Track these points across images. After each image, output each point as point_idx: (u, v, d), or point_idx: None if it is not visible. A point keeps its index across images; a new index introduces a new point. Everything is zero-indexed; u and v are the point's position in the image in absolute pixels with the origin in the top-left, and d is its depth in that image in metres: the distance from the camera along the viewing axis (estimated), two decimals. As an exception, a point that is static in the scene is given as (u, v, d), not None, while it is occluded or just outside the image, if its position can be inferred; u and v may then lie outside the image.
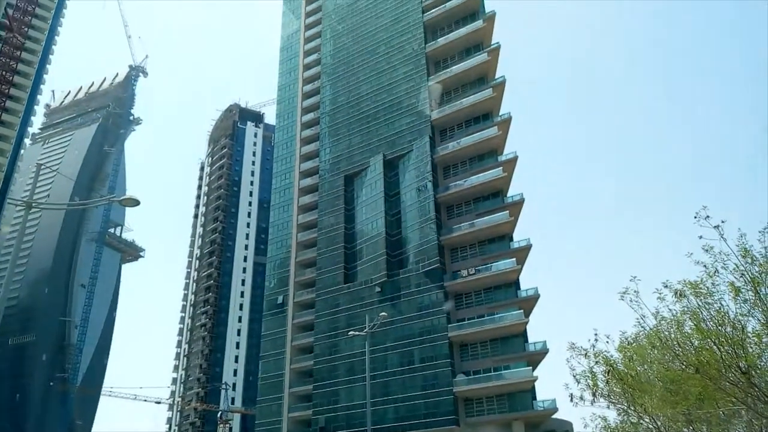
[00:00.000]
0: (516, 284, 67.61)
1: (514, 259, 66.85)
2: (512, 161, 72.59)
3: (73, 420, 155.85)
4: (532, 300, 66.21)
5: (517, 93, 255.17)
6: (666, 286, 19.30)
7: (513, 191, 72.64)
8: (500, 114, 76.11)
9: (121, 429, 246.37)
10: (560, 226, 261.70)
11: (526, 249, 68.37)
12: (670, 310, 19.88)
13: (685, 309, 19.27)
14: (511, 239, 70.06)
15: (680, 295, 18.99)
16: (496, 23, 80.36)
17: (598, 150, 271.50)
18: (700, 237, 17.79)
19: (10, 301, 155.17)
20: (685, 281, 18.92)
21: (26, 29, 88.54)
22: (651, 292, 19.74)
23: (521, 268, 67.75)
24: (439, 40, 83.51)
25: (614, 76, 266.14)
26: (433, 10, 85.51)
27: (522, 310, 64.23)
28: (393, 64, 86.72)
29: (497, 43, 78.95)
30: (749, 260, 17.56)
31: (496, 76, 78.10)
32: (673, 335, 20.41)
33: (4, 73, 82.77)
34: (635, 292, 20.23)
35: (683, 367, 20.08)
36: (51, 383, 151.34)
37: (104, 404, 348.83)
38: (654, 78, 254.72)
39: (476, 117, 77.27)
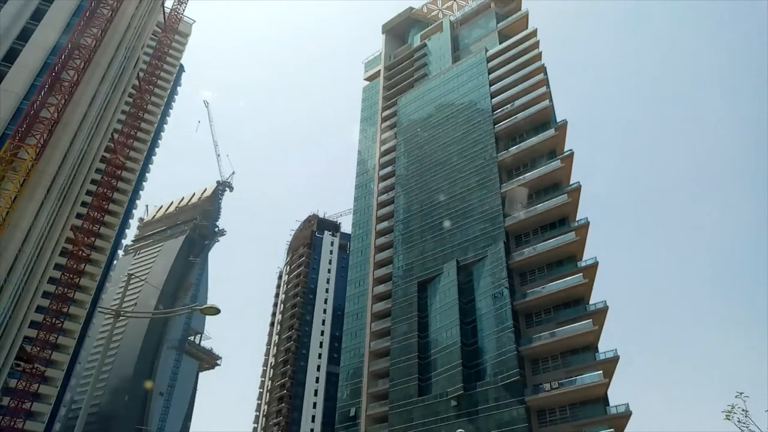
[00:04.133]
0: (604, 399, 62.68)
1: (600, 371, 62.52)
2: (593, 267, 70.08)
3: None
4: (623, 418, 60.86)
5: (595, 198, 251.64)
6: (781, 404, 17.19)
7: (595, 298, 69.60)
8: (577, 219, 74.76)
9: None
10: (648, 333, 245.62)
11: (613, 361, 63.91)
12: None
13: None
14: (596, 350, 65.98)
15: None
16: (568, 131, 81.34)
17: (682, 249, 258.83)
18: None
19: (91, 409, 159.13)
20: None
21: (128, 151, 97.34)
22: (764, 410, 17.60)
23: (609, 382, 63.03)
24: (511, 149, 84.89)
25: (695, 182, 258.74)
26: (504, 122, 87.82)
27: (612, 429, 59.04)
28: (465, 173, 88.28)
29: (570, 150, 79.32)
30: None
31: (571, 182, 77.66)
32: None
33: (105, 191, 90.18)
34: (744, 411, 18.08)
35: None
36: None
37: None
38: (744, 177, 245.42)
39: (552, 222, 76.22)
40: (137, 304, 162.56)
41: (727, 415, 18.39)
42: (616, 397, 69.68)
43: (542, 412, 65.03)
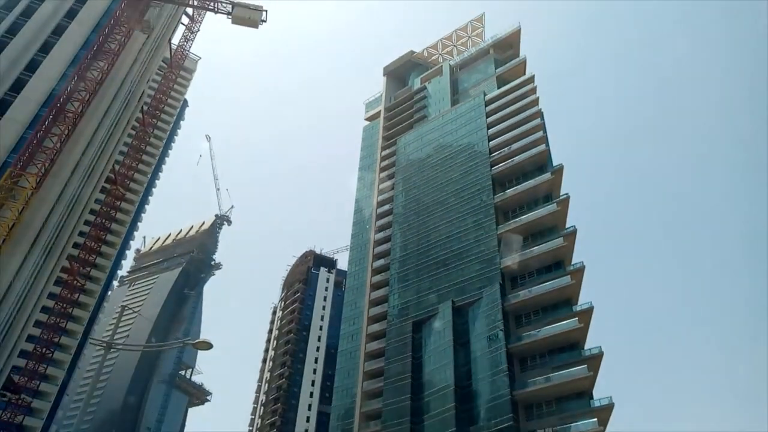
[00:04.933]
0: (599, 448, 61.63)
1: (595, 419, 61.62)
2: (588, 311, 69.88)
3: None
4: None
5: (591, 240, 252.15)
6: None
7: (590, 343, 69.17)
8: (573, 263, 74.94)
9: None
10: (644, 380, 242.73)
11: (608, 408, 63.11)
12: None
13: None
14: (591, 396, 65.24)
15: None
16: (564, 175, 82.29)
17: (679, 293, 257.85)
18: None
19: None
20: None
21: (128, 182, 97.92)
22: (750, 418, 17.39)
23: (604, 430, 62.13)
24: (507, 191, 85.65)
25: (696, 218, 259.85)
26: (501, 165, 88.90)
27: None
28: (462, 213, 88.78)
29: (566, 194, 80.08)
30: None
31: (567, 226, 78.18)
32: None
33: (103, 221, 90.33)
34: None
35: None
36: None
37: None
38: (744, 203, 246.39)
39: (548, 266, 76.34)
40: (129, 336, 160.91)
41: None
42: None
43: (536, 460, 63.86)
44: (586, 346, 68.94)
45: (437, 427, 71.23)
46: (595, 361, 66.49)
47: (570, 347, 69.19)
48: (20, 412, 76.24)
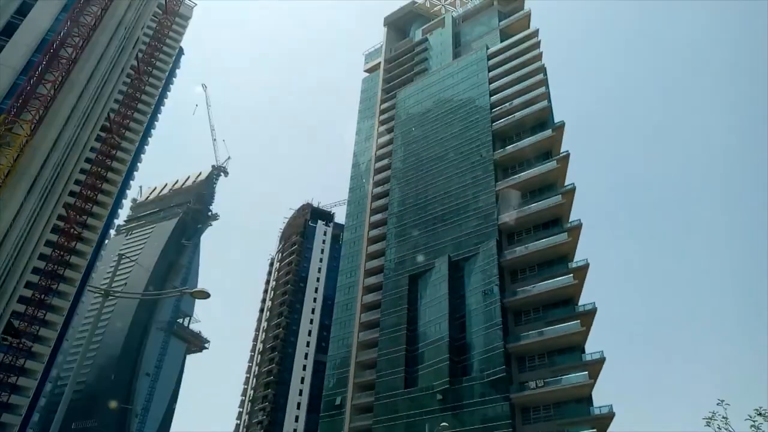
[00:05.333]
0: (588, 400, 63.19)
1: (586, 372, 62.99)
2: (583, 268, 70.46)
3: None
4: (606, 419, 61.39)
5: (587, 198, 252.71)
6: (760, 414, 17.47)
7: (584, 299, 70.05)
8: (570, 221, 75.08)
9: None
10: (635, 338, 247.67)
11: (599, 362, 64.42)
12: (766, 440, 17.82)
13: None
14: (583, 350, 66.48)
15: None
16: (565, 132, 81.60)
17: (672, 257, 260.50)
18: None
19: (78, 386, 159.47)
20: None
21: (123, 131, 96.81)
22: (743, 419, 17.90)
23: (594, 383, 63.54)
24: (507, 148, 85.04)
25: (690, 186, 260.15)
26: (502, 120, 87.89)
27: (595, 429, 59.60)
28: (461, 169, 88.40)
29: (566, 151, 79.60)
30: None
31: (566, 183, 77.97)
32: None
33: (99, 170, 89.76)
34: (724, 418, 18.35)
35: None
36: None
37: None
38: (743, 177, 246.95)
39: (545, 222, 76.52)
40: (127, 285, 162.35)
41: (707, 422, 18.67)
42: (600, 397, 70.16)
43: (526, 410, 65.54)
44: (580, 303, 69.82)
45: (431, 377, 72.88)
46: (588, 316, 67.48)
47: (564, 303, 70.04)
48: (21, 355, 77.63)
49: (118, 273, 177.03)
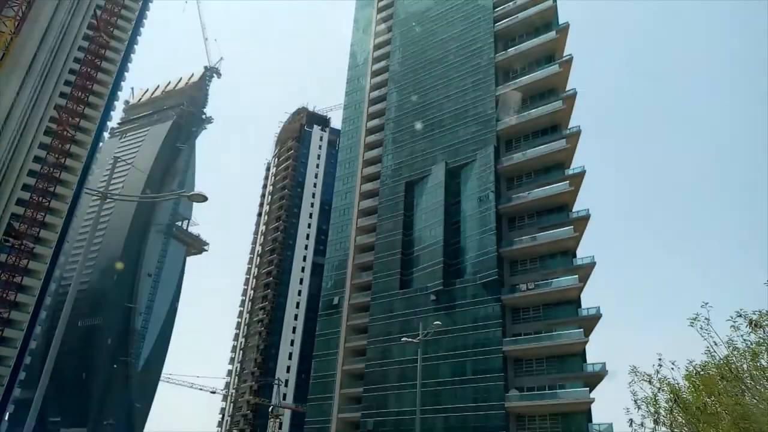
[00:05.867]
0: (577, 302, 65.65)
1: (576, 276, 64.96)
2: (580, 176, 70.69)
3: (132, 402, 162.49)
4: (593, 319, 64.10)
5: (587, 104, 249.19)
6: (740, 315, 18.16)
7: (579, 206, 70.81)
8: (569, 127, 74.37)
9: (177, 415, 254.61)
10: (627, 245, 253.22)
11: (589, 266, 66.27)
12: (744, 340, 18.68)
13: (762, 341, 18.09)
14: (574, 255, 68.13)
15: (756, 325, 17.82)
16: (569, 34, 78.85)
17: (670, 166, 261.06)
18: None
19: (81, 285, 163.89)
20: (761, 312, 17.76)
21: (112, 29, 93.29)
22: (724, 320, 18.66)
23: (583, 286, 65.74)
24: (509, 50, 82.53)
25: (689, 90, 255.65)
26: (505, 21, 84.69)
27: (582, 329, 62.31)
28: (461, 72, 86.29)
29: (570, 54, 77.29)
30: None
31: (567, 89, 76.42)
32: (746, 367, 19.20)
33: (88, 70, 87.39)
34: (706, 319, 19.08)
35: (755, 401, 18.88)
36: (115, 365, 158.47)
37: (162, 390, 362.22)
38: (734, 92, 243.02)
39: (544, 129, 75.81)
40: (124, 188, 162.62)
41: (691, 323, 19.47)
42: (588, 301, 72.76)
43: (516, 311, 68.20)
44: (575, 209, 70.60)
45: (425, 279, 75.17)
46: (581, 222, 68.52)
47: (558, 209, 70.89)
48: (24, 256, 79.25)
49: (114, 176, 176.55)
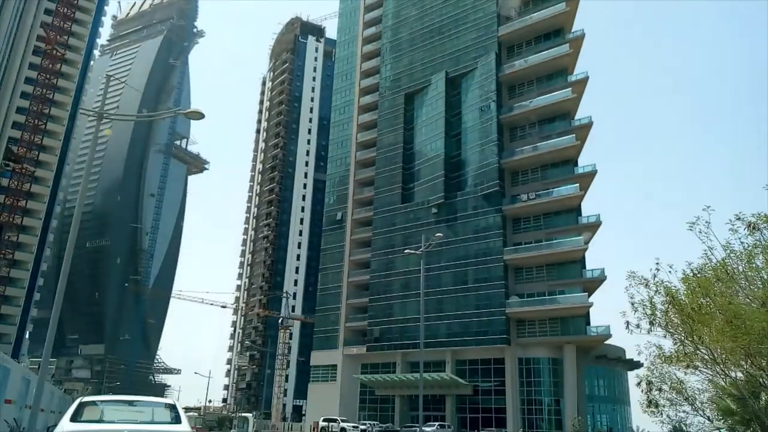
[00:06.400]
0: (577, 210, 66.25)
1: (577, 184, 65.12)
2: (582, 82, 69.25)
3: (145, 319, 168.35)
4: (593, 227, 64.92)
5: (589, 8, 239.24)
6: (739, 219, 18.30)
7: (581, 114, 69.84)
8: (573, 31, 71.93)
9: (190, 330, 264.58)
10: (629, 152, 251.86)
11: (590, 175, 66.28)
12: (741, 243, 18.93)
13: (758, 243, 18.34)
14: (576, 164, 68.02)
15: (754, 228, 17.96)
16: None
17: (675, 72, 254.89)
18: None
19: (85, 207, 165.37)
20: (759, 214, 17.87)
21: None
22: (723, 223, 18.83)
23: (584, 195, 66.04)
24: (510, -52, 78.29)
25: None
26: None
27: (582, 237, 63.27)
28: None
29: (574, -48, 73.35)
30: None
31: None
32: (741, 268, 19.60)
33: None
34: (706, 222, 19.23)
35: (748, 301, 19.43)
36: (126, 284, 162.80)
37: (174, 306, 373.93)
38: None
39: (546, 34, 73.31)
40: (119, 108, 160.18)
41: (690, 226, 19.68)
42: (588, 209, 73.38)
43: (517, 221, 68.97)
44: (577, 117, 69.71)
45: (426, 192, 75.50)
46: (583, 130, 67.82)
47: (561, 118, 69.98)
48: (26, 180, 79.41)
49: (108, 95, 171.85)
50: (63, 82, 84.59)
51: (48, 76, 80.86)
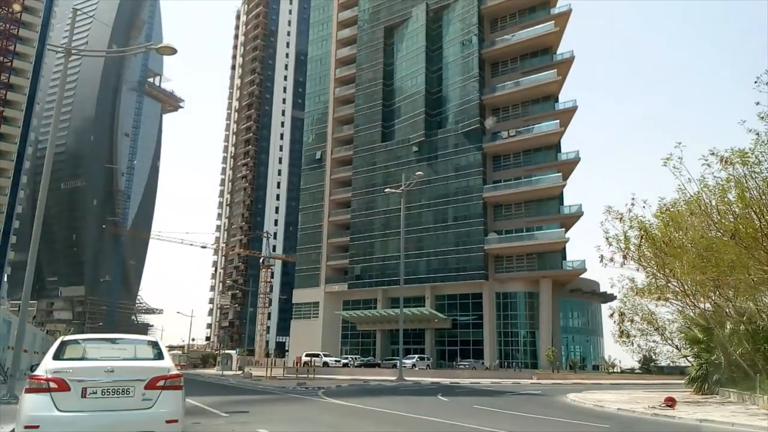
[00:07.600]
0: (557, 147, 66.57)
1: (557, 121, 65.18)
2: (565, 14, 68.15)
3: (125, 260, 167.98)
4: (571, 163, 65.45)
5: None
6: (713, 154, 18.52)
7: (563, 48, 69.05)
8: (556, -38, 70.08)
9: (170, 270, 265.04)
10: (609, 87, 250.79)
11: (571, 111, 66.30)
12: (714, 177, 19.24)
13: (731, 177, 18.64)
14: (557, 100, 67.81)
15: (727, 162, 18.21)
16: None
17: (657, 6, 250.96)
18: (757, 103, 16.74)
19: (58, 148, 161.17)
20: (733, 149, 18.08)
21: None
22: (697, 159, 19.06)
23: (564, 131, 66.24)
24: None
25: None
26: None
27: (560, 173, 63.82)
28: None
29: None
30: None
31: None
32: (714, 203, 20.01)
33: None
34: (679, 158, 19.46)
35: (719, 234, 19.94)
36: (104, 226, 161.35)
37: (153, 247, 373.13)
38: None
39: (530, -36, 71.37)
40: (88, 43, 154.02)
41: (664, 162, 19.91)
42: (568, 145, 73.60)
43: (497, 158, 69.17)
44: (559, 51, 68.96)
45: (407, 130, 74.94)
46: (565, 65, 67.35)
47: (543, 52, 69.21)
48: (-6, 120, 77.11)
49: (76, 31, 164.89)
50: (28, 16, 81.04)
51: (9, 11, 77.23)
